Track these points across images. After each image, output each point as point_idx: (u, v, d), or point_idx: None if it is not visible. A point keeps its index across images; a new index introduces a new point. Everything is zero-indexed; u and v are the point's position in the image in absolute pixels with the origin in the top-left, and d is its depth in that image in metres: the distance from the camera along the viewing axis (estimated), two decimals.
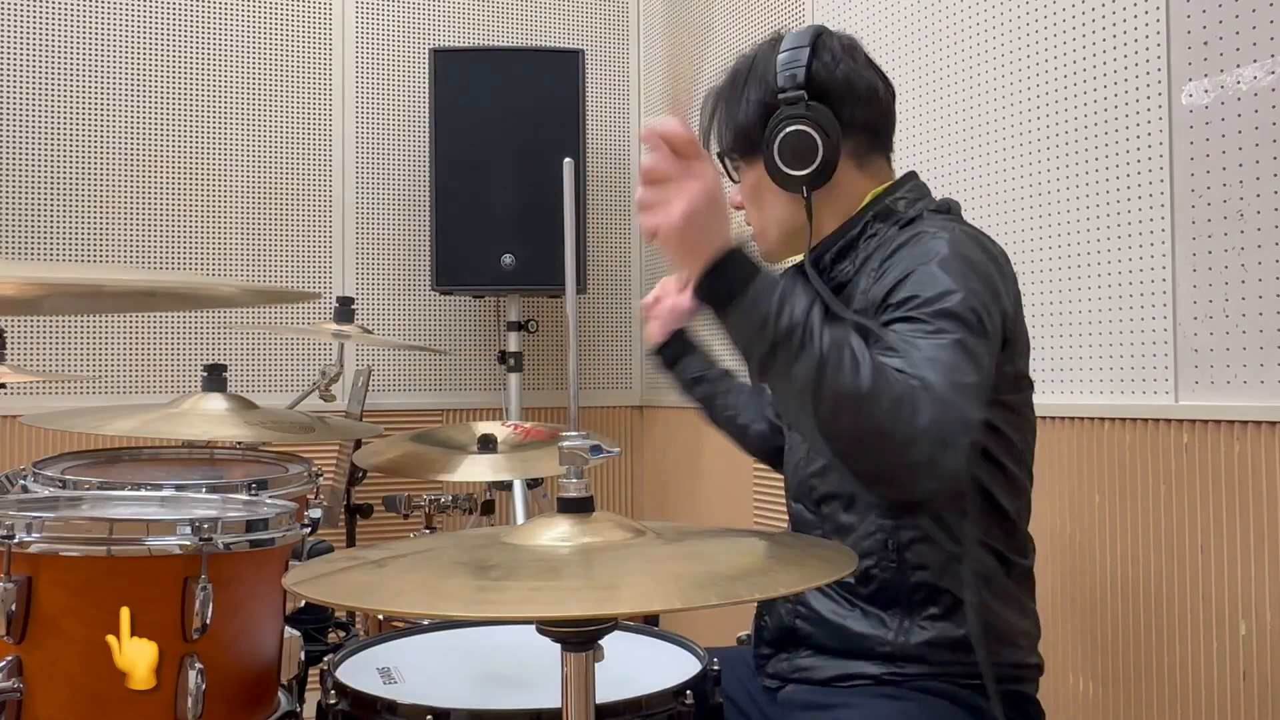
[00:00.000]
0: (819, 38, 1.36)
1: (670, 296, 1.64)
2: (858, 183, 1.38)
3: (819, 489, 1.39)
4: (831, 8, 2.72)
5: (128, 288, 1.03)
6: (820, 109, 1.32)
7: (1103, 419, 1.93)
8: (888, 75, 1.43)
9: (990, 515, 1.32)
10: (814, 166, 1.31)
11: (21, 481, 1.83)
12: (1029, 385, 1.36)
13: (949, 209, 1.39)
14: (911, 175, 1.42)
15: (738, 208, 1.46)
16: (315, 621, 2.23)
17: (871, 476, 1.10)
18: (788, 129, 1.32)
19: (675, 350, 1.71)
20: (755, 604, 1.49)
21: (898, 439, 1.05)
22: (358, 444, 2.50)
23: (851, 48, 1.39)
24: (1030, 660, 1.36)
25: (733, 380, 1.71)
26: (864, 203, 1.37)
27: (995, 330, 1.21)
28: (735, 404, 1.69)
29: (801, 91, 1.32)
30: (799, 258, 1.50)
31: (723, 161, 1.45)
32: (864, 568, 1.31)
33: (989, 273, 1.25)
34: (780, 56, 1.35)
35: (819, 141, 1.31)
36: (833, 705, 1.30)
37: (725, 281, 1.07)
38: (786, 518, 1.51)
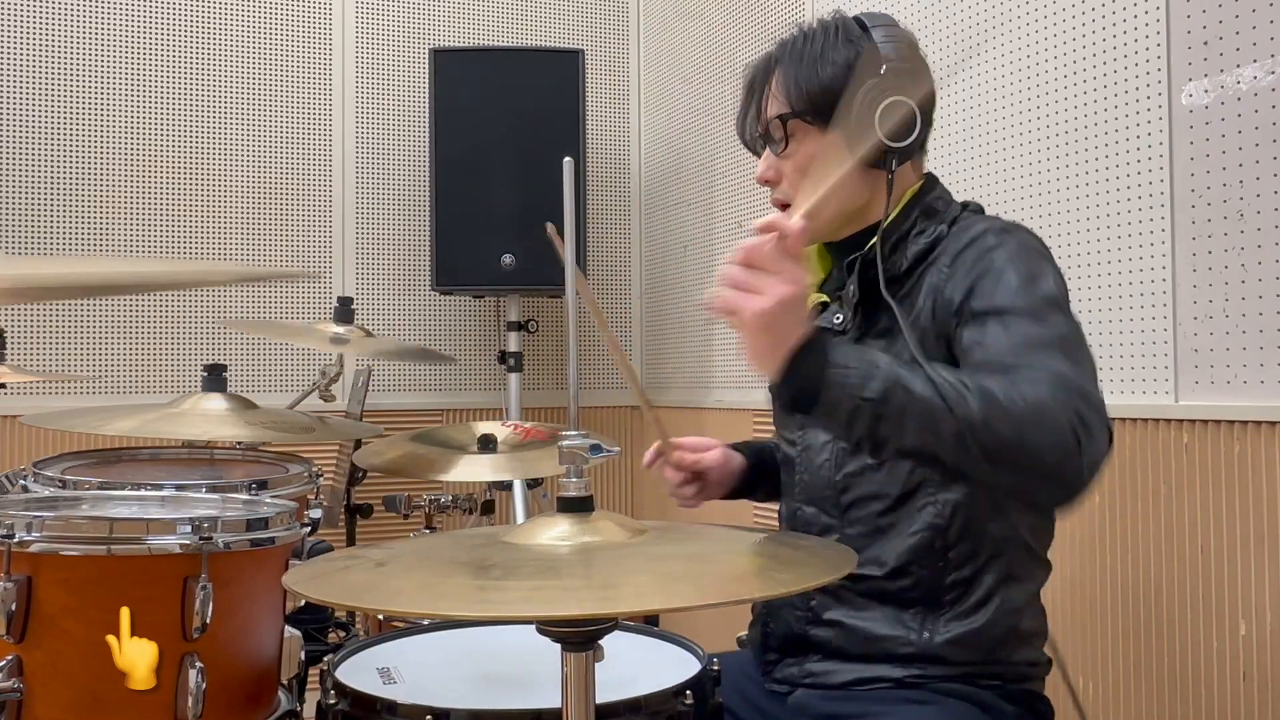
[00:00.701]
0: (899, 26, 1.36)
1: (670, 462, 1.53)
2: (908, 175, 1.37)
3: (853, 491, 1.34)
4: (831, 8, 2.72)
5: (122, 280, 1.03)
6: (917, 87, 1.31)
7: None
8: None
9: (1031, 519, 1.32)
10: (909, 141, 1.30)
11: (21, 481, 1.83)
12: None
13: (982, 210, 1.40)
14: (935, 178, 1.41)
15: (767, 182, 1.41)
16: (315, 621, 2.23)
17: (1029, 491, 1.10)
18: (892, 98, 1.28)
19: (743, 488, 1.60)
20: (755, 604, 1.48)
21: (1030, 453, 1.04)
22: (358, 444, 2.50)
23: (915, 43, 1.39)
24: (1042, 658, 1.37)
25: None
26: (905, 199, 1.36)
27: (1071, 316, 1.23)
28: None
29: (905, 65, 1.31)
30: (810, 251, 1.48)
31: (767, 129, 1.38)
32: (903, 565, 1.29)
33: (1054, 263, 1.28)
34: (878, 31, 1.33)
35: (918, 117, 1.30)
36: (851, 714, 1.28)
37: (802, 380, 1.06)
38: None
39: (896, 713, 1.26)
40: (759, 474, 1.56)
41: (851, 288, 1.36)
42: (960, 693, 1.28)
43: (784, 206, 1.39)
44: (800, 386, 1.06)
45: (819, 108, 1.33)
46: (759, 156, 1.43)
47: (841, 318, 1.37)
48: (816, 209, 1.33)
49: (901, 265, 1.32)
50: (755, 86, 1.41)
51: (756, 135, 1.42)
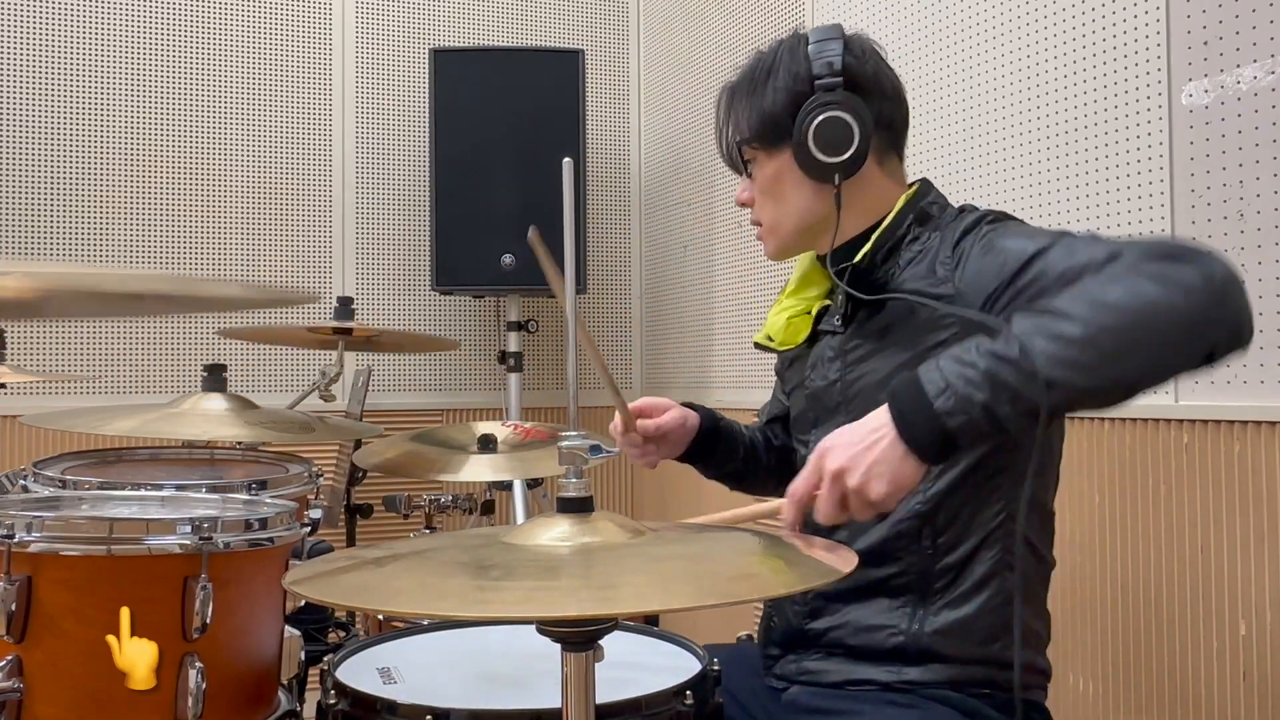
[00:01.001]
0: (848, 36, 1.38)
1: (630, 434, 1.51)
2: (878, 180, 1.39)
3: None
4: (831, 8, 2.72)
5: (120, 291, 1.03)
6: (853, 99, 1.33)
7: (1103, 419, 1.93)
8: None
9: (1032, 506, 1.32)
10: (849, 154, 1.33)
11: (21, 481, 1.83)
12: None
13: (974, 209, 1.40)
14: (929, 182, 1.43)
15: (743, 204, 1.46)
16: (315, 621, 2.23)
17: (1190, 359, 1.04)
18: (824, 114, 1.33)
19: (695, 456, 1.59)
20: (755, 604, 1.49)
21: (1156, 317, 1.01)
22: (358, 444, 2.50)
23: (878, 49, 1.41)
24: (1039, 664, 1.36)
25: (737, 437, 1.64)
26: (899, 205, 1.37)
27: None
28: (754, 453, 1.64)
29: (839, 79, 1.33)
30: (804, 261, 1.50)
31: (735, 154, 1.44)
32: (890, 551, 1.30)
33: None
34: (812, 47, 1.36)
35: (855, 129, 1.33)
36: (837, 711, 1.29)
37: (926, 435, 1.04)
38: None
39: (880, 715, 1.26)
40: (712, 441, 1.56)
41: (840, 296, 1.39)
42: (945, 699, 1.28)
43: (758, 224, 1.45)
44: (930, 440, 1.04)
45: (765, 133, 1.39)
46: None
47: (839, 320, 1.40)
48: (778, 225, 1.42)
49: (894, 272, 1.34)
50: (718, 116, 1.46)
51: (728, 160, 1.48)
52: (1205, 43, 1.77)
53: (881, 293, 1.33)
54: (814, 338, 1.46)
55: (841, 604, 1.34)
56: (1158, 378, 1.05)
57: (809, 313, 1.47)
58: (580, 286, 3.42)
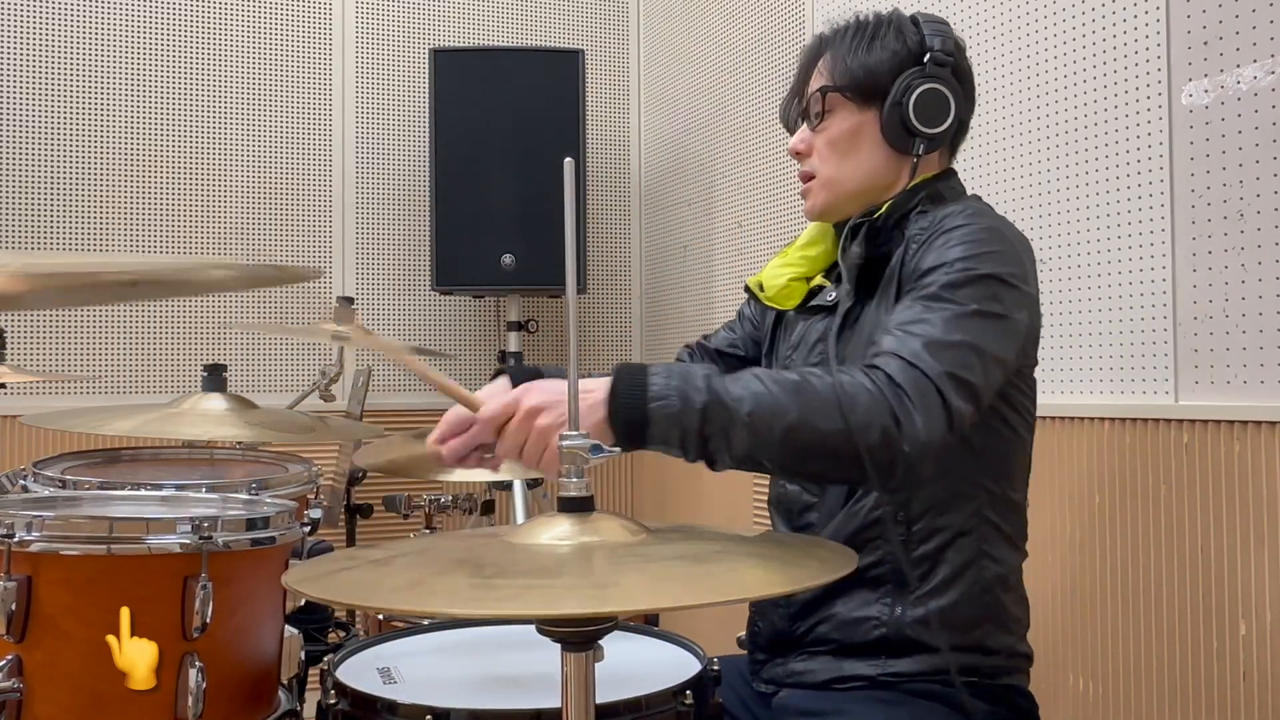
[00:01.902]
0: (951, 28, 1.41)
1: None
2: (931, 164, 1.41)
3: None
4: (831, 8, 2.72)
5: (111, 277, 1.03)
6: (955, 84, 1.37)
7: (1103, 419, 1.93)
8: None
9: (1001, 499, 1.33)
10: (939, 129, 1.36)
11: (21, 481, 1.83)
12: (1036, 362, 1.38)
13: (979, 199, 1.42)
14: (954, 172, 1.45)
15: (798, 154, 1.45)
16: (315, 621, 2.23)
17: (852, 478, 1.18)
18: (929, 85, 1.35)
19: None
20: (750, 604, 1.49)
21: (849, 439, 1.09)
22: (358, 444, 2.49)
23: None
24: (1021, 649, 1.36)
25: None
26: (917, 181, 1.39)
27: (1020, 302, 1.25)
28: None
29: (950, 59, 1.37)
30: (815, 229, 1.50)
31: (810, 102, 1.42)
32: (866, 540, 1.31)
33: (1015, 251, 1.29)
34: (927, 25, 1.39)
35: (952, 109, 1.36)
36: (827, 712, 1.29)
37: (629, 420, 1.10)
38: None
39: (868, 713, 1.27)
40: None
41: (856, 249, 1.38)
42: (934, 693, 1.28)
43: (809, 179, 1.45)
44: (629, 426, 1.10)
45: (859, 85, 1.39)
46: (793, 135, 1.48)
47: (834, 295, 1.41)
48: (838, 181, 1.41)
49: (895, 246, 1.35)
50: (804, 65, 1.46)
51: (797, 112, 1.47)
52: (1205, 43, 1.77)
53: (884, 265, 1.34)
54: (805, 311, 1.47)
55: (823, 600, 1.34)
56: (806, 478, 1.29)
57: (808, 279, 1.48)
58: (580, 286, 3.42)
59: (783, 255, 1.53)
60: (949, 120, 1.36)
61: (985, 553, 1.31)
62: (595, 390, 1.10)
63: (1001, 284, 1.23)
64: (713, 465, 1.13)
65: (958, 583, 1.29)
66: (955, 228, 1.28)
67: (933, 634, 1.28)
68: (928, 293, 1.22)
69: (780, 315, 1.54)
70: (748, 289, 1.55)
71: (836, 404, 1.10)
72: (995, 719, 1.31)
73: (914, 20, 1.40)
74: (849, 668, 1.31)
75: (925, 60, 1.36)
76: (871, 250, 1.36)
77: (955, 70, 1.38)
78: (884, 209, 1.36)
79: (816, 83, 1.42)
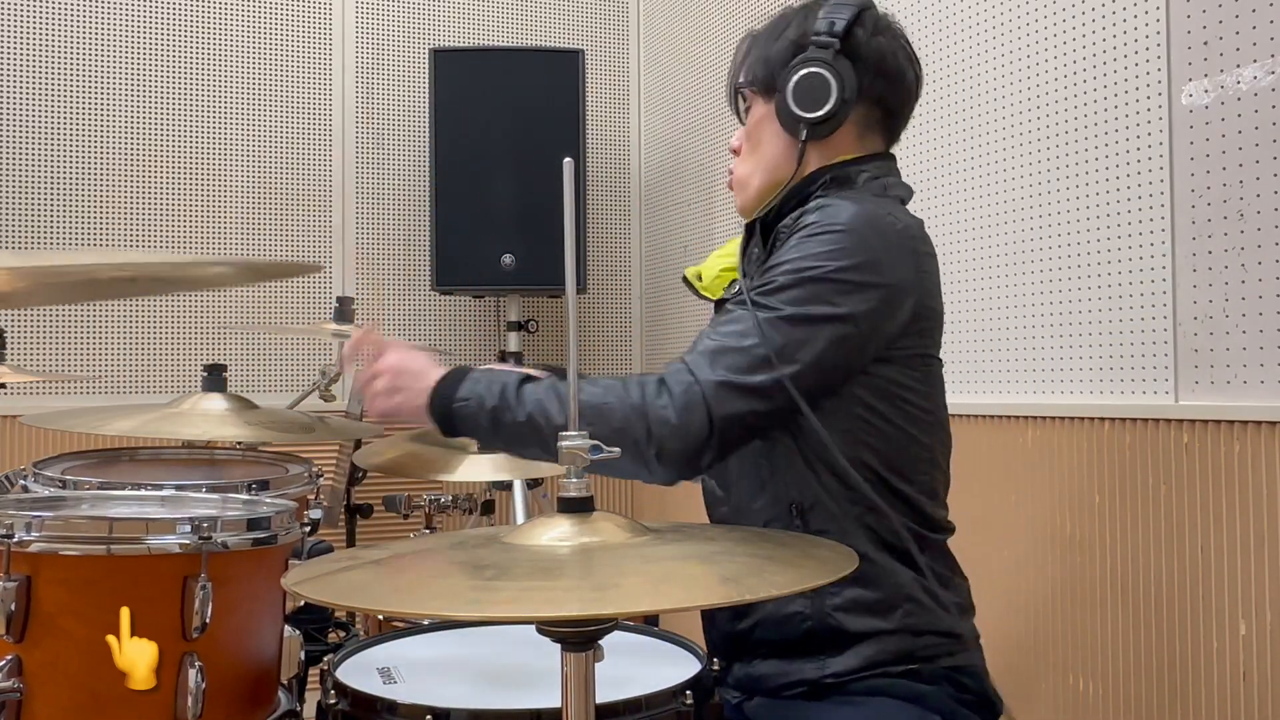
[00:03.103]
0: (866, 9, 1.39)
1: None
2: (851, 149, 1.39)
3: (733, 471, 1.40)
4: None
5: (110, 273, 1.03)
6: (844, 64, 1.34)
7: (1103, 419, 1.93)
8: (921, 74, 1.44)
9: (887, 490, 1.32)
10: (821, 112, 1.34)
11: (21, 481, 1.83)
12: (937, 363, 1.38)
13: (885, 189, 1.39)
14: (888, 155, 1.43)
15: (734, 152, 1.48)
16: (315, 621, 2.23)
17: (628, 475, 1.29)
18: (808, 69, 1.34)
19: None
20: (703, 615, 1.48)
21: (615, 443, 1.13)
22: (358, 444, 2.49)
23: (896, 31, 1.41)
24: (956, 629, 1.34)
25: None
26: (833, 161, 1.38)
27: (868, 292, 1.26)
28: None
29: (835, 40, 1.35)
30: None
31: (738, 98, 1.46)
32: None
33: (877, 251, 1.27)
34: (826, 6, 1.38)
35: (834, 90, 1.34)
36: (799, 716, 1.30)
37: (441, 411, 1.30)
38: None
39: (838, 712, 1.27)
40: None
41: (755, 250, 1.42)
42: (875, 688, 1.28)
43: (732, 174, 1.48)
44: (440, 415, 1.30)
45: (761, 78, 1.40)
46: None
47: (737, 287, 1.42)
48: (748, 176, 1.44)
49: (786, 235, 1.34)
50: (734, 61, 1.48)
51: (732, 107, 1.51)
52: (1205, 43, 1.77)
53: (776, 245, 1.35)
54: (722, 302, 1.50)
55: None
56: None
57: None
58: (580, 286, 3.42)
59: (723, 249, 1.55)
60: (831, 101, 1.33)
61: (889, 545, 1.31)
62: (425, 374, 1.32)
63: (834, 284, 1.24)
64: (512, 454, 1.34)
65: (867, 571, 1.28)
66: (808, 225, 1.29)
67: (855, 619, 1.29)
68: (750, 296, 1.27)
69: (718, 305, 1.55)
70: (685, 279, 1.58)
71: (599, 415, 1.22)
72: (946, 700, 1.30)
73: (821, 4, 1.39)
74: (795, 670, 1.31)
75: (809, 43, 1.35)
76: (765, 242, 1.38)
77: (849, 50, 1.35)
78: (774, 203, 1.38)
79: (740, 76, 1.46)
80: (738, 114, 1.48)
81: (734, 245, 1.52)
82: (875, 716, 1.27)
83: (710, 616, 1.43)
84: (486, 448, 1.33)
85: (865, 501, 1.30)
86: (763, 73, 1.40)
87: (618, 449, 1.02)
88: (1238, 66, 1.71)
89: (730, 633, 1.38)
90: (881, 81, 1.38)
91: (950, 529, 1.40)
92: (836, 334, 1.24)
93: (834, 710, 1.28)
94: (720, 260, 1.53)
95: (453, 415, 1.29)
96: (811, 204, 1.34)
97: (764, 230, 1.41)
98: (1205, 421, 1.76)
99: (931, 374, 1.37)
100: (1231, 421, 1.72)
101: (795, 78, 1.34)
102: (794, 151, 1.38)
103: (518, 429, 1.26)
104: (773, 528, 1.32)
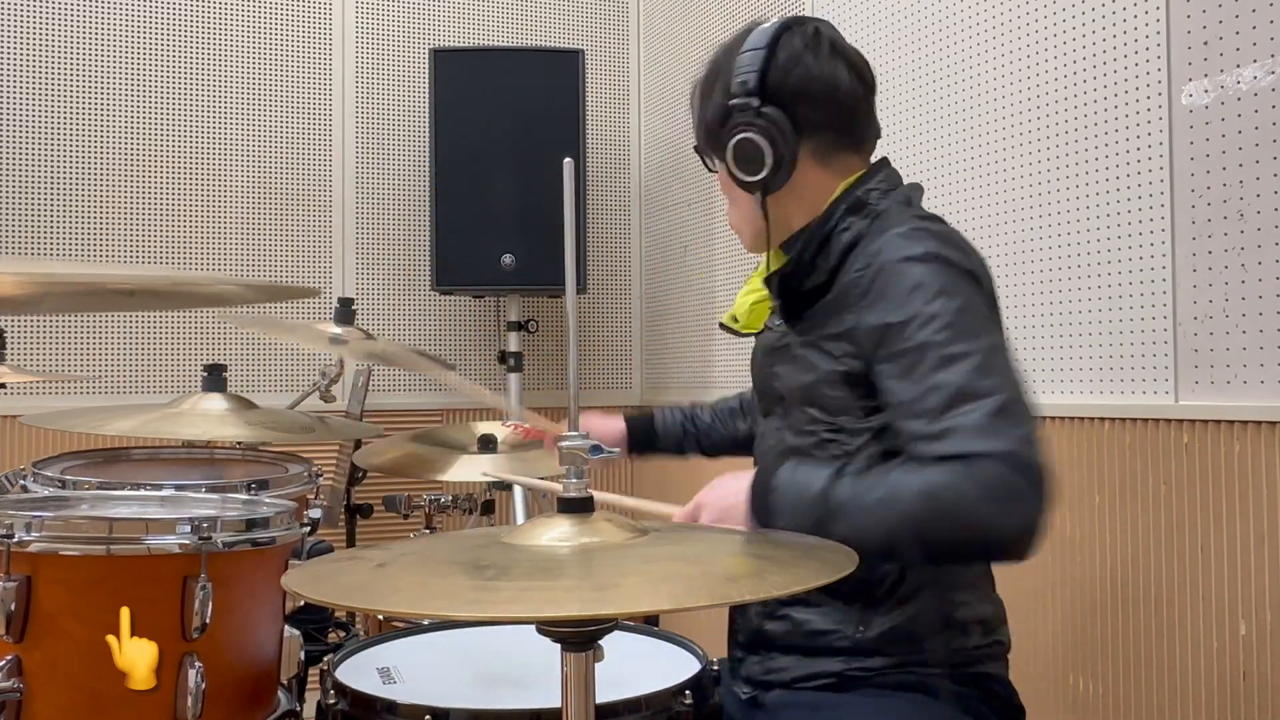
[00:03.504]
0: (779, 37, 1.35)
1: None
2: (823, 180, 1.37)
3: None
4: (830, 9, 2.72)
5: (114, 285, 1.04)
6: (772, 114, 1.32)
7: (1103, 419, 1.93)
8: (869, 63, 1.42)
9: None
10: (764, 173, 1.33)
11: (21, 481, 1.83)
12: None
13: (909, 200, 1.38)
14: (883, 164, 1.41)
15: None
16: (315, 621, 2.23)
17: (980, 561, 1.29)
18: (737, 136, 1.33)
19: (639, 443, 1.82)
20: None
21: (973, 535, 1.16)
22: (358, 444, 2.50)
23: (815, 43, 1.36)
24: (987, 640, 1.35)
25: (702, 418, 1.84)
26: (831, 199, 1.36)
27: (993, 325, 1.26)
28: (725, 427, 1.81)
29: (751, 98, 1.33)
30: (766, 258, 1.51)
31: (702, 156, 1.46)
32: None
33: (971, 271, 1.27)
34: (739, 58, 1.35)
35: (765, 149, 1.32)
36: (817, 705, 1.30)
37: (763, 522, 1.24)
38: None
39: (857, 702, 1.28)
40: (646, 448, 1.81)
41: (775, 304, 1.42)
42: (905, 683, 1.29)
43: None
44: (763, 524, 1.24)
45: (711, 144, 1.41)
46: None
47: (776, 321, 1.43)
48: (738, 227, 1.46)
49: (825, 271, 1.33)
50: (692, 116, 1.48)
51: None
52: (1205, 43, 1.77)
53: (816, 288, 1.34)
54: (765, 328, 1.49)
55: (796, 608, 1.35)
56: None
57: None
58: (580, 286, 3.42)
59: (747, 285, 1.53)
60: (769, 159, 1.32)
61: (947, 569, 1.32)
62: (740, 493, 1.26)
63: (972, 314, 1.23)
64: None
65: (919, 596, 1.30)
66: (902, 262, 1.25)
67: (895, 647, 1.30)
68: (922, 352, 1.20)
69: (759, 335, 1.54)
70: (723, 327, 1.56)
71: (946, 509, 1.15)
72: (970, 702, 1.31)
73: (738, 47, 1.37)
74: (819, 664, 1.32)
75: (730, 105, 1.33)
76: (792, 291, 1.37)
77: (770, 97, 1.32)
78: (789, 259, 1.37)
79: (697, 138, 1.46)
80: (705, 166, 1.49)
81: (757, 280, 1.51)
82: (904, 710, 1.28)
83: (741, 608, 1.44)
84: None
85: None
86: (706, 138, 1.41)
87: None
88: (1238, 66, 1.71)
89: (758, 628, 1.39)
90: (814, 110, 1.34)
91: None
92: (1002, 345, 1.25)
93: (860, 702, 1.28)
94: (749, 296, 1.51)
95: (770, 523, 1.23)
96: (857, 225, 1.33)
97: (784, 278, 1.38)
98: (1205, 421, 1.76)
99: None
100: (1231, 421, 1.72)
101: (730, 146, 1.33)
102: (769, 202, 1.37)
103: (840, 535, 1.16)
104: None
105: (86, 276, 1.02)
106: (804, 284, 1.35)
